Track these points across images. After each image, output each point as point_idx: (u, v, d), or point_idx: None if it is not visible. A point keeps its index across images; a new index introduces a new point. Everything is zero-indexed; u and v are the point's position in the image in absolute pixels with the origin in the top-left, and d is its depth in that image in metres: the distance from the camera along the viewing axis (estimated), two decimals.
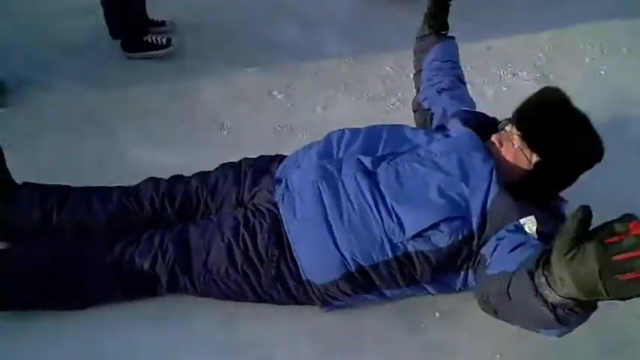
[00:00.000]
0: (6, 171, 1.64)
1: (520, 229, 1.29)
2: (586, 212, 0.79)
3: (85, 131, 2.23)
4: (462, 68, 1.96)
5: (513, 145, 1.45)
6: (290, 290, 1.47)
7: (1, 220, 1.59)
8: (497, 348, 1.53)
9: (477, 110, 1.77)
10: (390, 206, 1.41)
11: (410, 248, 1.39)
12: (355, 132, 1.62)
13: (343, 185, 1.46)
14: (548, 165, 1.44)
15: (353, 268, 1.41)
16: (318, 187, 1.46)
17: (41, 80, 2.47)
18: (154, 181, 1.66)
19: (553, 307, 0.91)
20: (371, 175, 1.47)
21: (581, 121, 1.45)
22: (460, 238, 1.38)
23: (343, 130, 1.64)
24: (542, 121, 1.42)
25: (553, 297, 0.88)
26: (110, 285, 1.48)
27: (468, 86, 1.98)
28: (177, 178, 1.68)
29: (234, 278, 1.45)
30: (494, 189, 1.38)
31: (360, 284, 1.44)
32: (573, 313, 0.92)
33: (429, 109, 1.81)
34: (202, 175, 1.68)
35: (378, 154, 1.53)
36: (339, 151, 1.57)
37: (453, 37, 1.92)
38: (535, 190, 1.45)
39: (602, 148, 1.46)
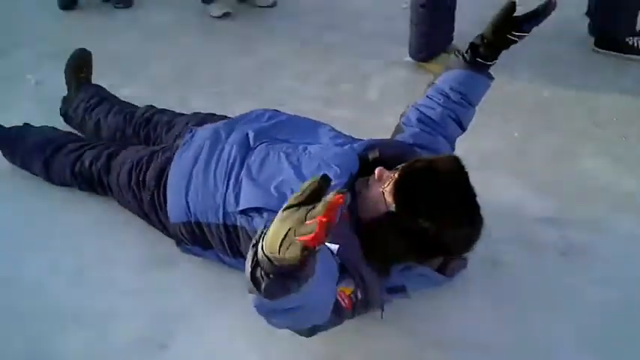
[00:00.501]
0: (90, 72, 2.26)
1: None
2: (325, 179, 0.80)
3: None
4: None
5: (385, 185, 1.31)
6: (161, 219, 1.65)
7: (66, 101, 2.19)
8: None
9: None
10: (240, 179, 1.47)
11: (238, 222, 1.44)
12: (276, 114, 1.71)
13: (222, 149, 1.57)
14: (396, 225, 1.30)
15: (192, 219, 1.53)
16: (203, 145, 1.60)
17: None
18: (147, 107, 2.03)
19: (255, 264, 0.90)
20: (247, 150, 1.55)
21: (465, 207, 1.30)
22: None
23: (269, 110, 1.74)
24: (423, 182, 1.29)
25: (260, 252, 0.87)
26: (69, 173, 1.88)
27: None
28: (162, 111, 1.99)
29: (129, 193, 1.73)
30: None
31: (197, 237, 1.56)
32: (265, 279, 0.89)
33: (401, 127, 1.65)
34: (176, 115, 1.95)
35: (273, 138, 1.59)
36: (243, 124, 1.66)
37: (488, 76, 1.58)
38: (371, 244, 1.31)
39: (469, 244, 1.34)
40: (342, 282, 1.24)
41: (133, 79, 2.54)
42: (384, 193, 1.31)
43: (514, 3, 1.43)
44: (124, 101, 2.12)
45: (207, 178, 1.53)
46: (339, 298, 1.23)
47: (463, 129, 1.64)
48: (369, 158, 1.48)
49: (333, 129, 1.66)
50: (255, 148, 1.55)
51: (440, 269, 1.50)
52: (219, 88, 2.48)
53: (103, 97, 2.13)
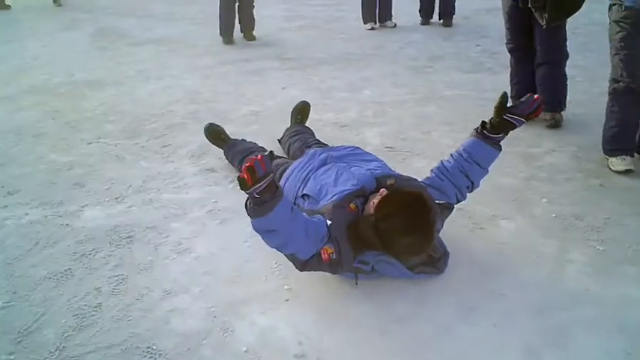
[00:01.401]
0: (305, 118, 3.42)
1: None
2: (269, 154, 1.87)
3: None
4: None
5: (377, 199, 1.97)
6: None
7: (285, 131, 3.29)
8: None
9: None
10: (310, 178, 2.34)
11: (298, 201, 2.30)
12: (355, 149, 2.57)
13: (313, 162, 2.44)
14: (369, 222, 1.93)
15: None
16: (306, 157, 2.52)
17: None
18: (315, 140, 3.04)
19: (247, 198, 1.82)
20: (323, 164, 2.39)
21: (412, 222, 1.89)
22: (307, 208, 2.17)
23: (354, 146, 2.63)
24: (392, 201, 1.93)
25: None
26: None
27: None
28: (318, 142, 2.98)
29: None
30: (336, 198, 2.09)
31: None
32: (248, 206, 1.83)
33: (429, 173, 2.30)
34: (321, 145, 2.88)
35: (341, 160, 2.42)
36: (330, 150, 2.55)
37: (495, 147, 2.20)
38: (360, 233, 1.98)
39: (410, 251, 1.96)
40: (327, 244, 1.95)
41: None
42: (374, 202, 1.96)
43: (505, 92, 2.15)
44: (314, 138, 3.05)
45: (296, 175, 2.41)
46: (322, 252, 1.95)
47: (471, 181, 2.21)
48: (387, 182, 2.12)
49: (384, 164, 2.42)
50: (327, 164, 2.38)
51: (411, 267, 2.09)
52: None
53: (300, 132, 3.11)
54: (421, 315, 2.02)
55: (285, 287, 2.15)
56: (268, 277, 2.24)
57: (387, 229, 1.89)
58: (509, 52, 3.62)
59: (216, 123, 3.28)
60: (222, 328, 1.99)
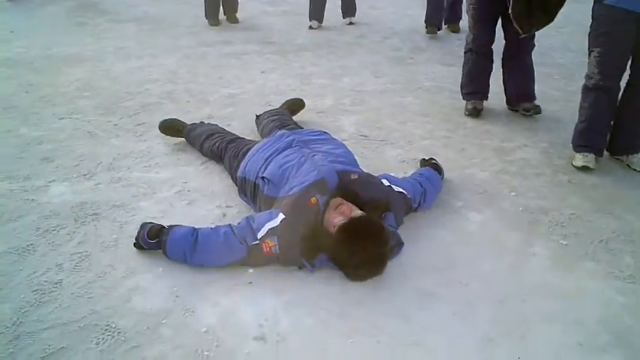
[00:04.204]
0: (296, 110, 3.43)
1: (273, 214, 2.13)
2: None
3: None
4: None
5: (339, 220, 2.06)
6: (238, 176, 2.57)
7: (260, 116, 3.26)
8: None
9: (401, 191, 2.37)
10: (272, 160, 2.40)
11: (258, 181, 2.38)
12: (322, 134, 2.68)
13: (280, 143, 2.51)
14: (329, 242, 2.06)
15: (244, 175, 2.49)
16: (273, 138, 2.60)
17: None
18: (291, 125, 2.99)
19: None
20: (288, 147, 2.47)
21: (369, 264, 2.04)
22: (267, 193, 2.30)
23: (321, 131, 2.77)
24: (357, 237, 1.99)
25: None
26: (209, 151, 2.91)
27: None
28: (291, 127, 2.93)
29: (227, 161, 2.76)
30: (296, 191, 2.17)
31: (243, 187, 2.51)
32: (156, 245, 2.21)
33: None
34: (296, 128, 2.92)
35: (306, 144, 2.48)
36: (298, 134, 2.61)
37: (440, 175, 2.71)
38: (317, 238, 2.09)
39: (362, 278, 2.07)
40: (268, 237, 2.07)
41: None
42: (335, 225, 2.05)
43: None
44: (293, 122, 3.06)
45: (260, 154, 2.48)
46: (263, 245, 2.07)
47: (424, 188, 2.49)
48: (350, 177, 2.23)
49: (348, 152, 2.53)
50: (293, 147, 2.45)
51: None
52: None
53: (281, 114, 3.13)
54: (378, 299, 2.04)
55: (250, 270, 2.15)
56: None
57: (345, 257, 2.03)
58: (474, 48, 3.50)
59: (167, 118, 3.23)
60: (183, 308, 1.98)
